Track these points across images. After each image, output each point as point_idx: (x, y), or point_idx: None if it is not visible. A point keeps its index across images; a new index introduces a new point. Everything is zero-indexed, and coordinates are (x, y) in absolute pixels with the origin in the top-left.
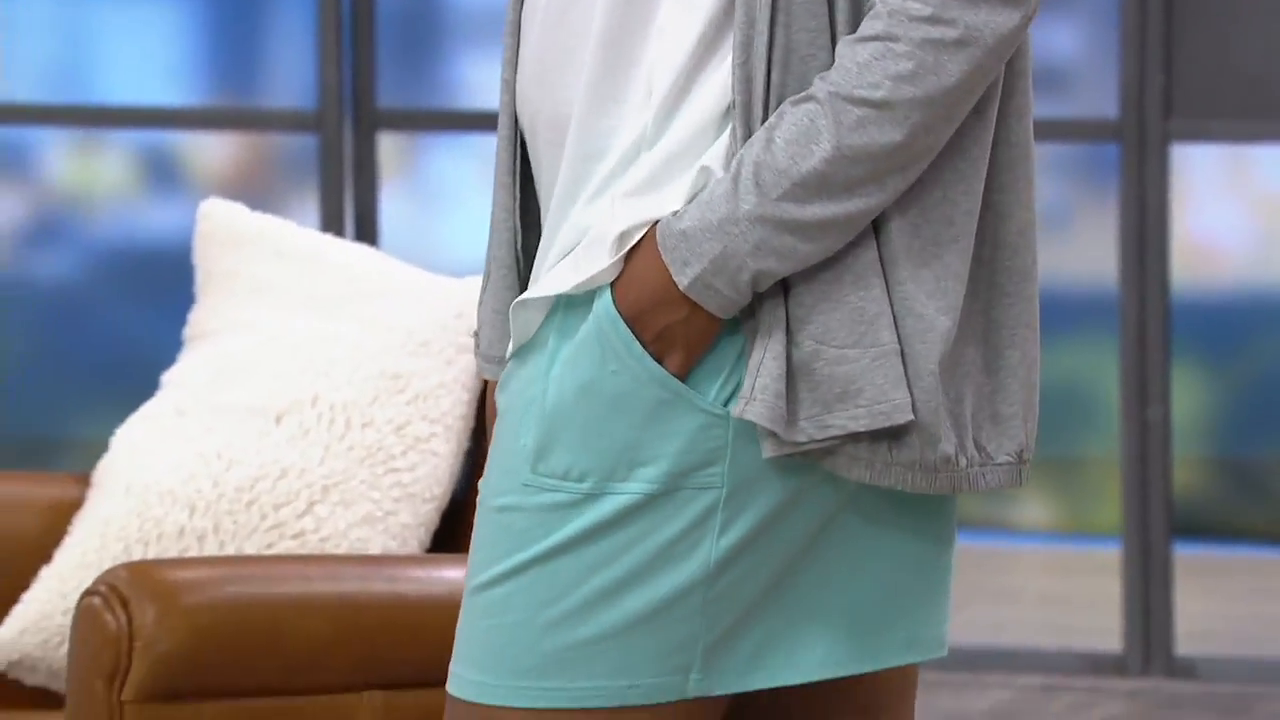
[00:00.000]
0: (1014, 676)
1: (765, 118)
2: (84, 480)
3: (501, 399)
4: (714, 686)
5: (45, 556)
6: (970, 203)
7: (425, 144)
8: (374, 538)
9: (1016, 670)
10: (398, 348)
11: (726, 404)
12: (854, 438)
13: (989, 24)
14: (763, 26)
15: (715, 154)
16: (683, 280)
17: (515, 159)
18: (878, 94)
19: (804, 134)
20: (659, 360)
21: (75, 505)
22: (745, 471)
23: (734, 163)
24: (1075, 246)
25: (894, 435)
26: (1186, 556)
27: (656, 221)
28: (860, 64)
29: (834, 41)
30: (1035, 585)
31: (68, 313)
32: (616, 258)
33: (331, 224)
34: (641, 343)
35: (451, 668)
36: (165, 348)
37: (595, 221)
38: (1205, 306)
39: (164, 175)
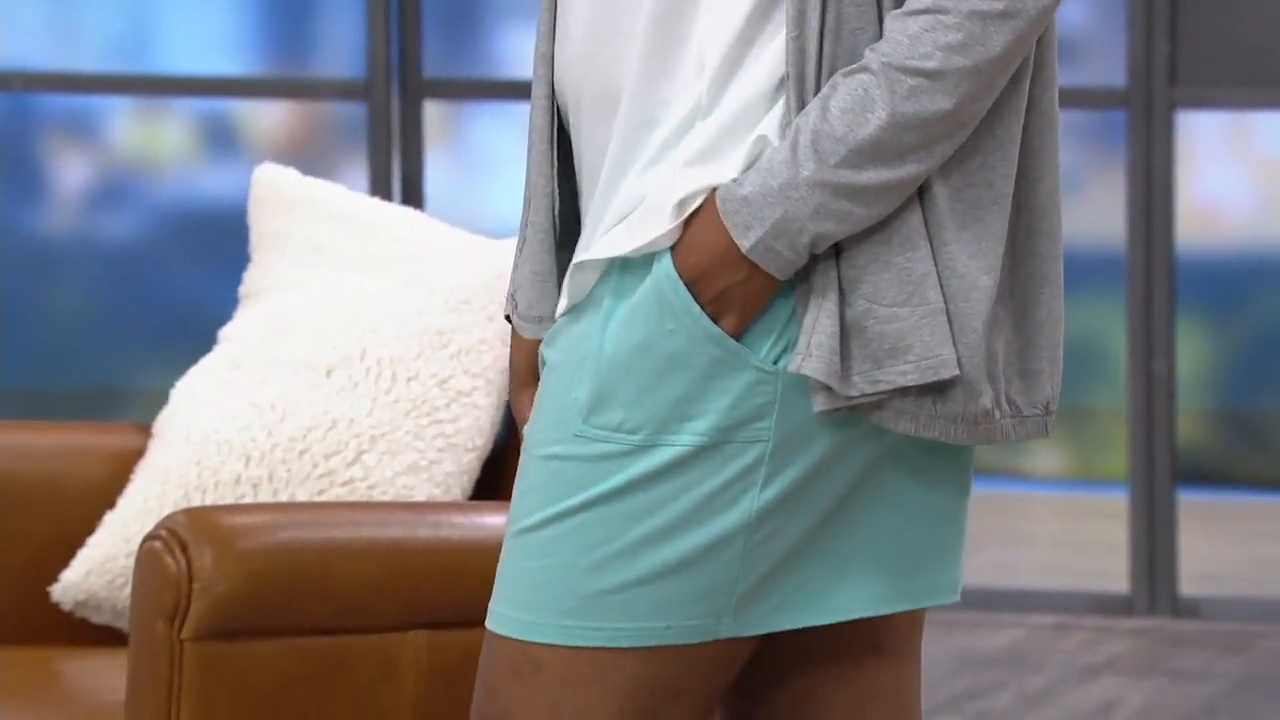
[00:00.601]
0: (1026, 616)
1: (818, 89)
2: (145, 430)
3: (550, 354)
4: (745, 629)
5: (109, 502)
6: (1007, 168)
7: (468, 112)
8: (419, 485)
9: (1029, 610)
10: (441, 305)
11: (777, 362)
12: (901, 392)
13: None
14: (815, 1)
15: (770, 123)
16: (745, 243)
17: (552, 129)
18: (929, 64)
19: (859, 103)
20: (715, 320)
21: (137, 454)
22: (792, 426)
23: (791, 131)
24: (1085, 209)
25: (938, 390)
26: (1190, 502)
27: (715, 188)
28: (911, 36)
29: (880, 15)
30: (1047, 529)
31: (131, 271)
32: (676, 223)
33: (379, 188)
34: (700, 304)
35: (492, 606)
36: (222, 304)
37: (653, 189)
38: (1208, 265)
39: (222, 141)
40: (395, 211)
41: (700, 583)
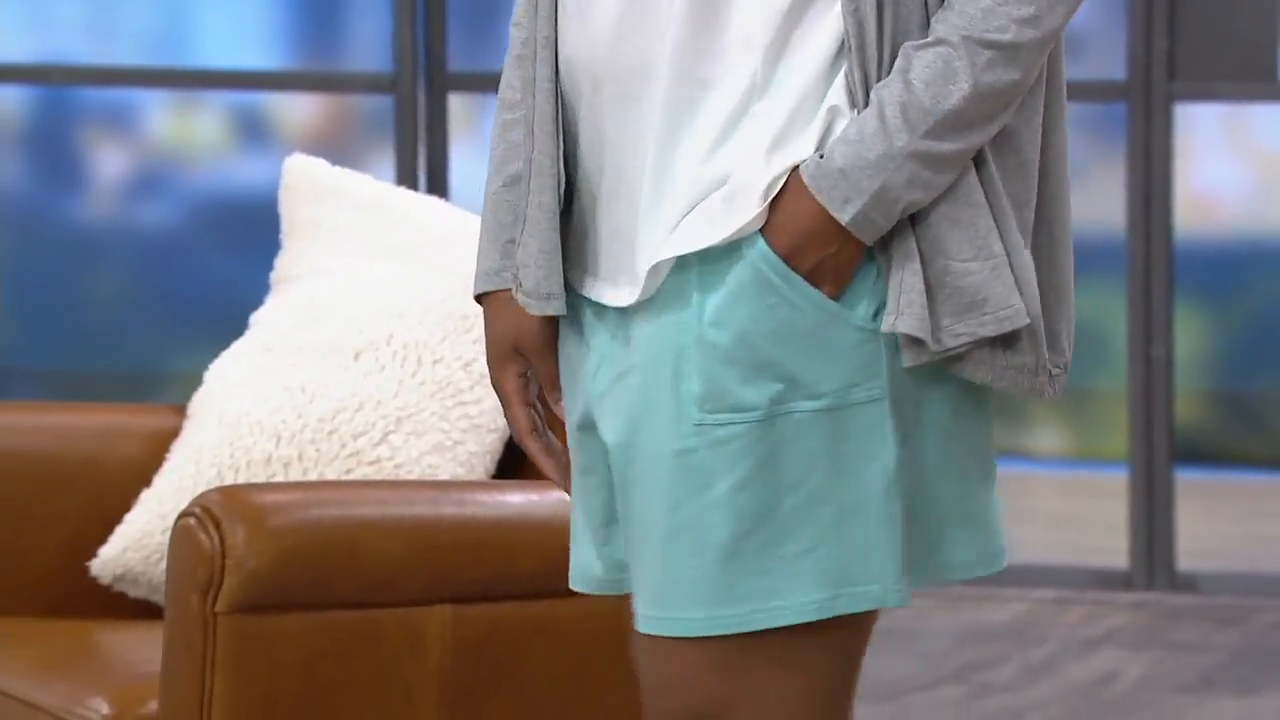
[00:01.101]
0: (1029, 590)
1: (879, 59)
2: (181, 411)
3: (624, 353)
4: (904, 589)
5: (146, 480)
6: (1031, 133)
7: (491, 104)
8: (443, 465)
9: (1032, 585)
10: (464, 291)
11: (874, 319)
12: (978, 343)
13: None
14: None
15: (836, 95)
16: (844, 215)
17: (558, 110)
18: (1005, 37)
19: (941, 75)
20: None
21: (173, 434)
22: (899, 380)
23: (874, 103)
24: (1086, 197)
25: (1007, 341)
26: (1187, 481)
27: (794, 166)
28: (984, 9)
29: None
30: (1049, 507)
31: (167, 258)
32: (764, 206)
33: (405, 178)
34: (806, 277)
35: (657, 613)
36: (254, 290)
37: (724, 174)
38: (1205, 252)
39: (254, 132)
40: (420, 200)
41: (856, 546)
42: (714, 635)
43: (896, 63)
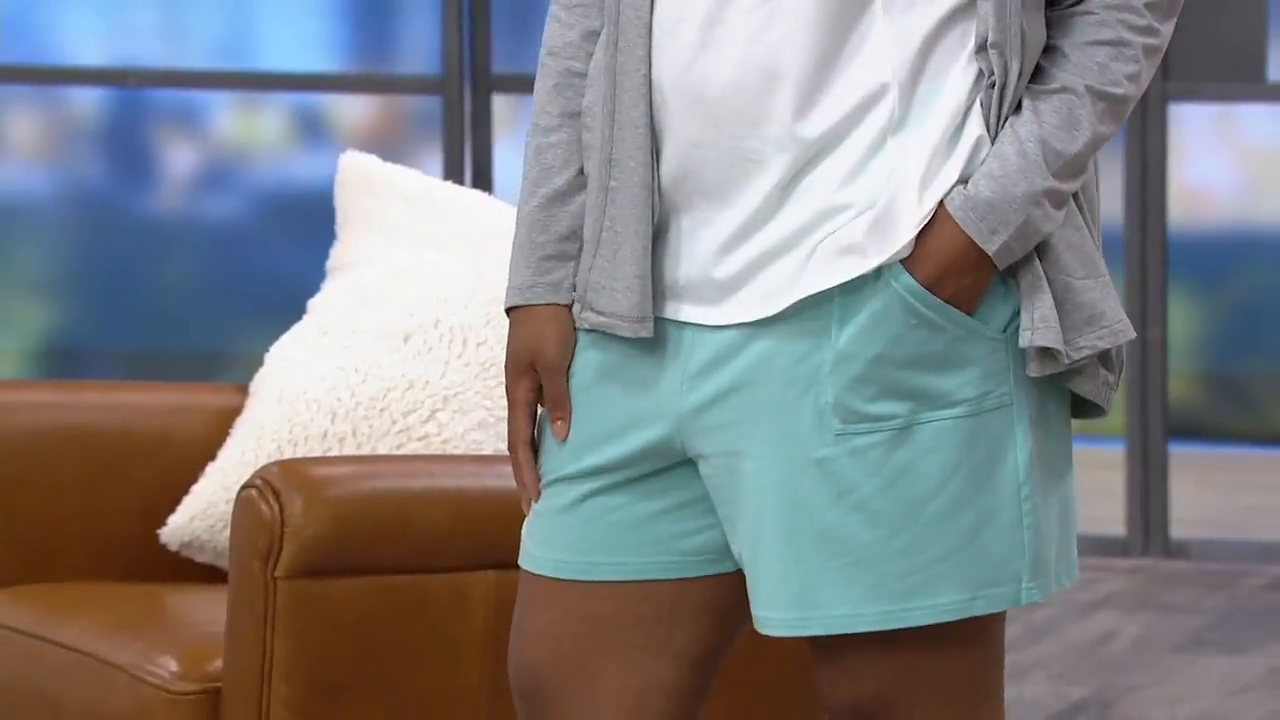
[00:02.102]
0: None
1: (1015, 96)
2: (243, 390)
3: (728, 369)
4: (1044, 591)
5: (211, 454)
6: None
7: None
8: (487, 440)
9: None
10: (505, 280)
11: (1005, 330)
12: (1089, 357)
13: (1168, 33)
14: (1012, 15)
15: (976, 127)
16: (991, 246)
17: (650, 135)
18: (1118, 90)
19: (1068, 121)
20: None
21: (236, 411)
22: (1022, 386)
23: (1014, 140)
24: None
25: (1103, 356)
26: (1180, 455)
27: (941, 198)
28: (1099, 64)
29: (1043, 25)
30: None
31: (232, 248)
32: (911, 237)
33: (452, 173)
34: (952, 303)
35: (791, 615)
36: (311, 278)
37: (866, 202)
38: (1197, 243)
39: (312, 131)
40: (466, 194)
41: (995, 549)
42: (851, 631)
43: (1024, 102)
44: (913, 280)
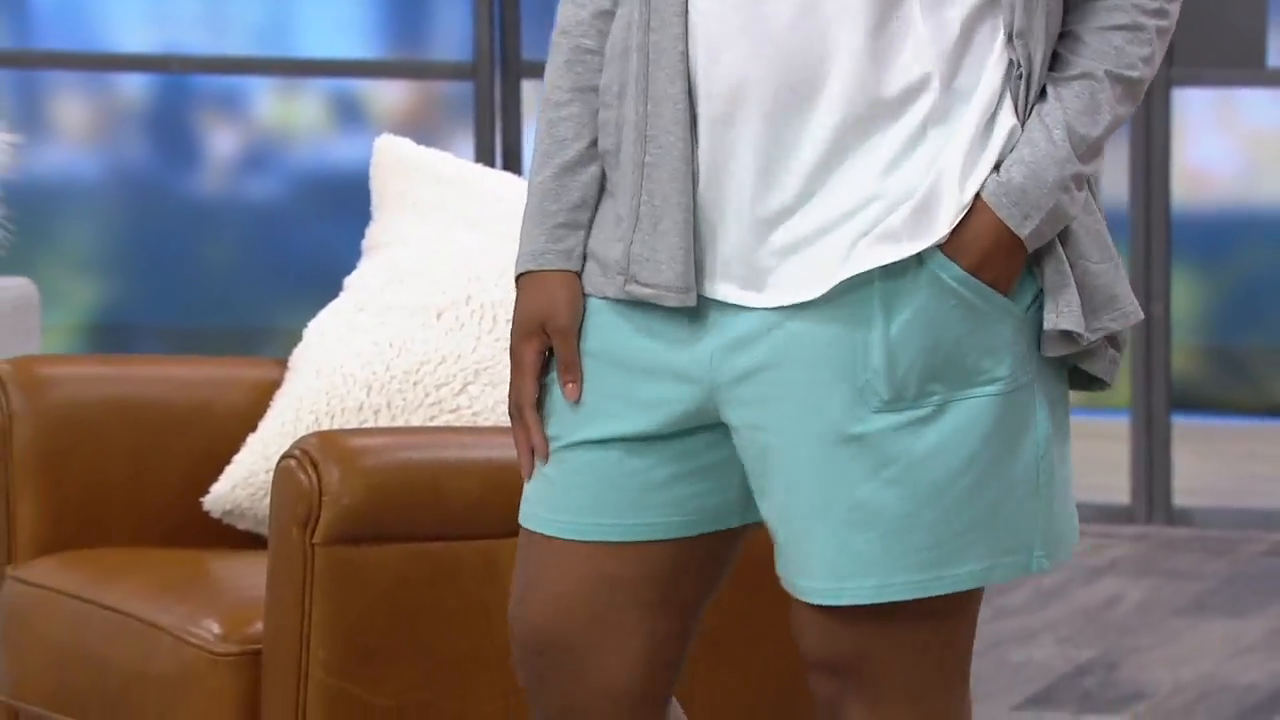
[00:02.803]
0: None
1: (1040, 85)
2: (282, 364)
3: (762, 346)
4: (1052, 559)
5: (252, 426)
6: None
7: None
8: None
9: None
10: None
11: (1028, 310)
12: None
13: (1176, 14)
14: (1038, 6)
15: (1009, 117)
16: (1024, 230)
17: (690, 116)
18: (1134, 74)
19: (1089, 106)
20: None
21: (276, 384)
22: (1041, 364)
23: (1042, 128)
24: None
25: (1111, 336)
26: (1183, 426)
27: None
28: (1116, 48)
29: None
30: None
31: (272, 227)
32: (950, 225)
33: (483, 156)
34: (993, 286)
35: (825, 585)
36: (348, 256)
37: (906, 191)
38: (1199, 222)
39: (349, 115)
40: (497, 176)
41: (1014, 521)
42: (881, 601)
43: (1047, 90)
44: (958, 268)
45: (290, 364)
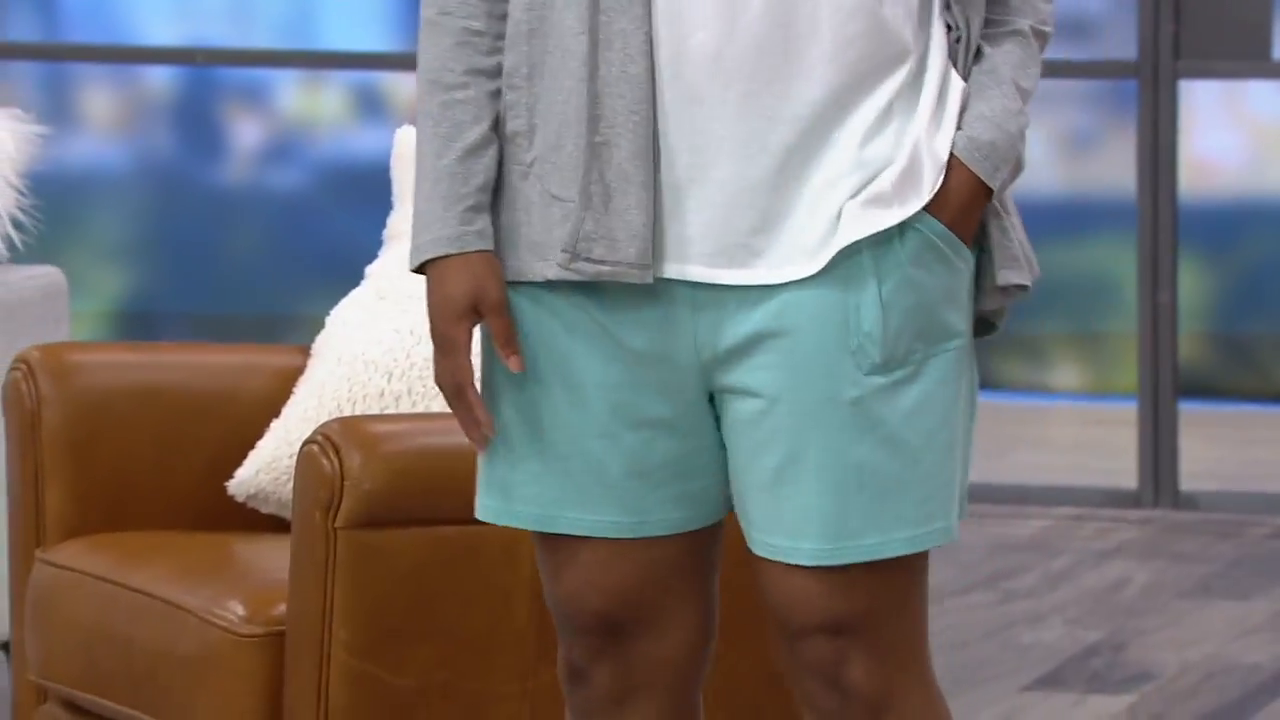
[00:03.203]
0: (1049, 509)
1: (973, 47)
2: (305, 351)
3: (754, 319)
4: (963, 512)
5: (275, 412)
6: None
7: None
8: None
9: (1051, 504)
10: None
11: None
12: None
13: None
14: None
15: (957, 79)
16: (995, 182)
17: (651, 93)
18: (1048, 28)
19: (1023, 61)
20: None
21: (299, 371)
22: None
23: (994, 84)
24: (1102, 163)
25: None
26: (1189, 412)
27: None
28: (1034, 6)
29: None
30: (1067, 435)
31: (295, 217)
32: (934, 186)
33: None
34: (962, 240)
35: (814, 547)
36: (369, 245)
37: (885, 158)
38: (1206, 212)
39: (371, 107)
40: None
41: (960, 476)
42: (884, 556)
43: (986, 48)
44: (939, 224)
45: (313, 351)
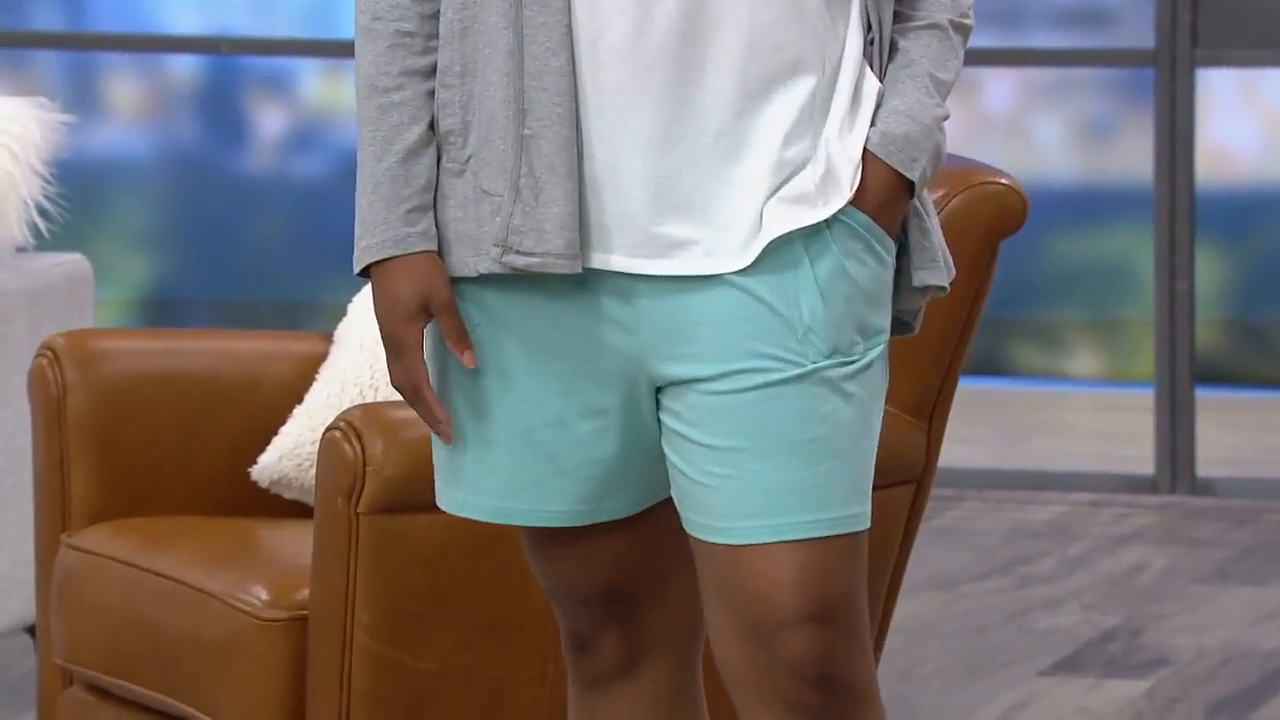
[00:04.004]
0: (1067, 494)
1: (887, 44)
2: (328, 338)
3: (686, 309)
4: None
5: (298, 398)
6: None
7: None
8: None
9: (1069, 489)
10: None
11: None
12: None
13: None
14: None
15: (872, 76)
16: (914, 174)
17: (574, 88)
18: (968, 21)
19: (942, 54)
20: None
21: (321, 357)
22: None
23: (915, 76)
24: (1120, 151)
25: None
26: (1206, 398)
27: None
28: (952, 1)
29: None
30: (1085, 421)
31: (318, 204)
32: (853, 183)
33: None
34: (887, 233)
35: (785, 521)
36: None
37: (808, 157)
38: (1223, 199)
39: None
40: None
41: (871, 468)
42: (835, 534)
43: (902, 43)
44: (860, 213)
45: (335, 338)
